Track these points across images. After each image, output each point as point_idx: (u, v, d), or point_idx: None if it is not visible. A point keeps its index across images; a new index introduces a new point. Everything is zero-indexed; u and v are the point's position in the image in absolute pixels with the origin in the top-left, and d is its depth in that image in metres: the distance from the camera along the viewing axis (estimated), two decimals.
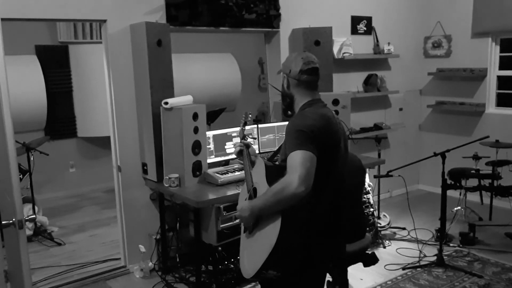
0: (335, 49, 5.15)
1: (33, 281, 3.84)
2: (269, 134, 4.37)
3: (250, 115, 2.64)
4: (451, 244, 4.54)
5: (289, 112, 2.27)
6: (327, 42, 4.78)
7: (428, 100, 6.22)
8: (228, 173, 3.83)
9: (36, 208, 5.00)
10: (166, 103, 3.71)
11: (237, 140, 4.02)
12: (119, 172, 4.05)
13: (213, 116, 4.75)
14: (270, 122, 4.53)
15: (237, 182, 3.76)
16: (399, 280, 3.87)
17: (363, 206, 4.48)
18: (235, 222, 3.66)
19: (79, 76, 6.44)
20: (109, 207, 5.80)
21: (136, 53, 3.90)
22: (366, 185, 4.53)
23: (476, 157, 4.79)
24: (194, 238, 3.74)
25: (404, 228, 4.97)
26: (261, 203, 2.02)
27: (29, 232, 4.87)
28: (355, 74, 5.52)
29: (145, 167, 4.05)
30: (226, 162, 4.12)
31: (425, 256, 4.32)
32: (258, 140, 4.30)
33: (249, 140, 2.50)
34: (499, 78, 5.65)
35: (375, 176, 4.84)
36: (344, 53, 5.19)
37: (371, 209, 4.55)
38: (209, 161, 3.94)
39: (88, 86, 6.41)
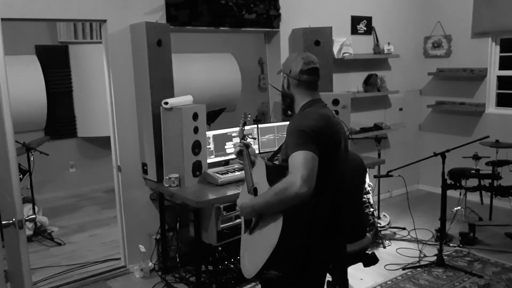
0: (335, 49, 5.15)
1: (33, 281, 3.84)
2: (269, 134, 4.37)
3: (250, 115, 2.64)
4: (451, 244, 4.54)
5: (289, 112, 2.27)
6: (327, 42, 4.78)
7: (428, 100, 6.22)
8: (228, 173, 3.83)
9: (36, 208, 5.00)
10: (166, 103, 3.71)
11: (237, 140, 4.02)
12: (119, 172, 4.05)
13: (213, 116, 4.75)
14: (270, 122, 4.53)
15: (237, 182, 3.76)
16: (399, 280, 3.87)
17: (363, 206, 4.48)
18: (235, 222, 3.66)
19: (79, 76, 6.45)
20: (109, 207, 5.80)
21: (136, 53, 3.90)
22: (366, 185, 4.53)
23: (476, 157, 4.79)
24: (194, 238, 3.74)
25: (404, 228, 4.98)
26: (262, 202, 2.02)
27: (29, 232, 4.87)
28: (355, 74, 5.52)
29: (145, 167, 4.05)
30: (226, 162, 4.12)
31: (425, 256, 4.32)
32: (258, 140, 4.30)
33: (249, 140, 2.50)
34: (499, 78, 5.65)
35: (375, 176, 4.84)
36: (344, 53, 5.19)
37: (371, 209, 4.55)
38: (209, 161, 3.94)
39: (88, 86, 6.41)
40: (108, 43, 3.86)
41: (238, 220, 3.66)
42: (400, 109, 6.11)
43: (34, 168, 4.95)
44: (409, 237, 4.77)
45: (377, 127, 5.61)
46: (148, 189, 4.14)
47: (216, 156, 4.03)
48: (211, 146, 3.99)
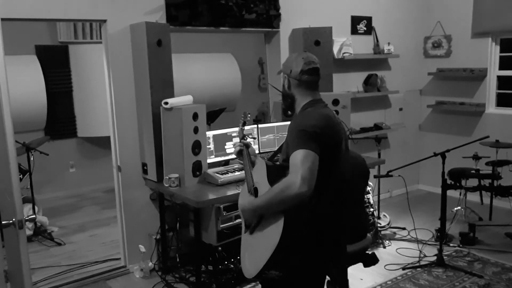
0: (335, 49, 5.15)
1: (33, 281, 3.84)
2: (269, 134, 4.37)
3: (249, 115, 2.64)
4: (451, 244, 4.54)
5: (289, 112, 2.27)
6: (327, 42, 4.78)
7: (428, 100, 6.22)
8: (228, 173, 3.83)
9: (36, 208, 5.00)
10: (166, 103, 3.71)
11: (236, 140, 4.02)
12: (119, 172, 4.05)
13: (213, 116, 4.75)
14: (270, 122, 4.53)
15: (237, 182, 3.76)
16: (399, 280, 3.87)
17: (365, 207, 4.48)
18: (235, 222, 3.66)
19: (79, 76, 6.45)
20: (109, 207, 5.80)
21: (136, 53, 3.90)
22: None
23: (476, 157, 4.78)
24: (194, 238, 3.74)
25: (404, 228, 4.98)
26: (263, 202, 2.02)
27: (29, 232, 4.87)
28: (355, 74, 5.52)
29: (145, 167, 4.05)
30: (226, 162, 4.12)
31: (425, 256, 4.32)
32: (258, 140, 4.30)
33: (249, 140, 2.49)
34: (499, 78, 5.65)
35: (375, 176, 4.84)
36: (344, 53, 5.19)
37: (371, 209, 4.55)
38: (209, 161, 3.94)
39: (88, 86, 6.41)
40: (108, 43, 3.86)
41: (238, 220, 3.66)
42: (400, 109, 6.11)
43: (34, 168, 4.95)
44: (409, 237, 4.77)
45: (377, 127, 5.61)
46: (148, 189, 4.14)
47: (216, 156, 4.03)
48: (211, 146, 3.99)
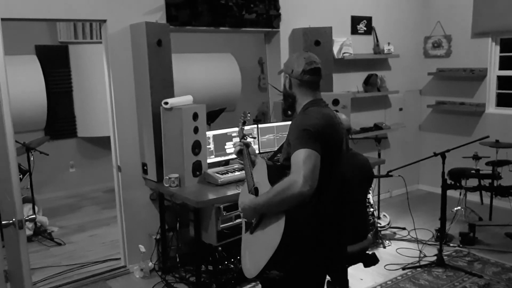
0: (335, 49, 5.15)
1: (33, 281, 3.84)
2: (269, 134, 4.37)
3: (249, 115, 2.64)
4: (451, 244, 4.54)
5: (289, 112, 2.27)
6: (327, 42, 4.78)
7: (428, 100, 6.22)
8: (228, 173, 3.83)
9: (36, 208, 5.00)
10: (166, 103, 3.71)
11: (237, 140, 4.02)
12: (119, 172, 4.05)
13: (213, 116, 4.75)
14: (270, 122, 4.53)
15: (237, 182, 3.76)
16: (399, 280, 3.87)
17: (366, 208, 4.48)
18: (235, 222, 3.66)
19: (79, 76, 6.44)
20: (109, 207, 5.80)
21: (136, 53, 3.90)
22: None
23: (476, 157, 4.79)
24: (194, 238, 3.74)
25: (404, 228, 4.97)
26: (264, 200, 2.02)
27: (29, 232, 4.87)
28: (355, 74, 5.52)
29: (145, 167, 4.05)
30: (226, 162, 4.12)
31: (425, 256, 4.32)
32: (258, 140, 4.30)
33: (249, 139, 2.49)
34: (499, 78, 5.65)
35: (375, 176, 4.84)
36: (344, 53, 5.19)
37: (371, 209, 4.55)
38: (209, 161, 3.94)
39: (88, 86, 6.41)
40: (108, 43, 3.86)
41: (238, 220, 3.66)
42: (400, 109, 6.11)
43: (34, 168, 4.94)
44: (409, 237, 4.77)
45: (377, 127, 5.61)
46: (148, 189, 4.14)
47: (216, 156, 4.03)
48: (211, 146, 3.99)
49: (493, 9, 5.40)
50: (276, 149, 4.14)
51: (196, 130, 3.74)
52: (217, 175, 3.76)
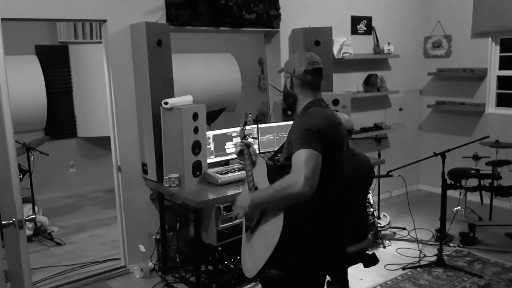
0: (335, 49, 5.15)
1: (33, 281, 3.84)
2: (269, 134, 4.37)
3: (251, 115, 2.64)
4: (451, 244, 4.54)
5: (289, 112, 2.28)
6: (327, 42, 4.78)
7: (428, 100, 6.22)
8: (228, 173, 3.83)
9: (36, 208, 5.00)
10: (166, 103, 3.71)
11: (237, 140, 4.02)
12: (119, 172, 4.05)
13: (213, 116, 4.75)
14: (270, 122, 4.53)
15: (237, 182, 3.76)
16: (399, 280, 3.87)
17: (366, 208, 4.48)
18: (235, 222, 3.66)
19: (79, 76, 6.44)
20: (109, 207, 5.80)
21: (136, 53, 3.90)
22: None
23: (476, 157, 4.79)
24: (194, 238, 3.74)
25: (404, 228, 4.97)
26: (263, 197, 2.02)
27: (29, 232, 4.87)
28: (355, 74, 5.52)
29: (145, 167, 4.05)
30: (226, 162, 4.12)
31: (425, 256, 4.32)
32: (258, 140, 4.30)
33: (250, 140, 2.50)
34: (499, 78, 5.65)
35: (375, 176, 4.85)
36: (344, 53, 5.19)
37: (371, 209, 4.55)
38: (209, 161, 3.94)
39: (88, 86, 6.41)
40: (108, 43, 3.86)
41: (238, 220, 3.66)
42: (400, 109, 6.11)
43: (34, 168, 4.94)
44: (409, 237, 4.77)
45: (377, 127, 5.61)
46: (148, 189, 4.14)
47: (216, 156, 4.03)
48: (211, 146, 3.99)
49: (493, 9, 5.39)
50: (276, 149, 4.14)
51: (196, 130, 3.74)
52: (217, 175, 3.76)
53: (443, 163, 4.07)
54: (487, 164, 4.79)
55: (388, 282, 3.85)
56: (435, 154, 4.13)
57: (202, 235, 3.68)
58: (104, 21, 3.84)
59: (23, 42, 6.02)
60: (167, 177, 3.73)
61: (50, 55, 6.27)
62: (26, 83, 5.86)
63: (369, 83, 5.50)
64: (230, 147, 4.09)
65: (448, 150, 4.07)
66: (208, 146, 3.93)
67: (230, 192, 3.57)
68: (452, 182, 4.81)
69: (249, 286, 3.79)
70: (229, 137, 4.10)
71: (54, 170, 6.45)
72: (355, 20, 5.45)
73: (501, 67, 5.61)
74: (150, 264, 4.10)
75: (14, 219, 2.05)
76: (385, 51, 5.66)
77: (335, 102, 4.35)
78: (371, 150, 5.35)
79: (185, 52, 6.74)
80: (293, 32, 4.87)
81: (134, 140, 4.06)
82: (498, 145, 4.76)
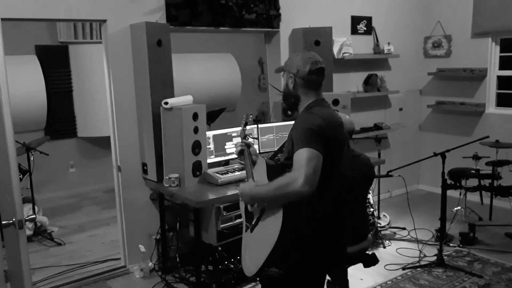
0: (335, 49, 5.15)
1: (33, 281, 3.84)
2: (269, 134, 4.37)
3: (251, 116, 2.65)
4: (451, 244, 4.54)
5: (289, 112, 2.28)
6: (327, 42, 4.78)
7: (428, 100, 6.22)
8: (228, 173, 3.83)
9: (36, 208, 5.00)
10: (166, 103, 3.71)
11: (237, 140, 4.02)
12: (119, 172, 4.05)
13: (213, 116, 4.75)
14: (270, 122, 4.53)
15: (237, 182, 3.75)
16: (399, 280, 3.87)
17: (366, 209, 4.48)
18: (235, 222, 3.66)
19: (79, 76, 6.44)
20: (109, 207, 5.80)
21: (136, 53, 3.90)
22: None
23: (476, 157, 4.79)
24: (194, 238, 3.74)
25: (404, 228, 4.97)
26: (263, 192, 2.03)
27: (29, 232, 4.87)
28: (355, 74, 5.52)
29: (145, 167, 4.05)
30: (226, 162, 4.12)
31: (425, 256, 4.32)
32: (258, 140, 4.30)
33: (250, 140, 2.50)
34: (499, 78, 5.65)
35: (375, 176, 4.85)
36: (344, 53, 5.19)
37: (371, 209, 4.56)
38: (209, 161, 3.94)
39: (88, 86, 6.41)
40: (108, 43, 3.86)
41: (238, 220, 3.66)
42: (400, 109, 6.11)
43: (34, 168, 4.94)
44: (409, 237, 4.77)
45: (377, 127, 5.61)
46: (148, 189, 4.14)
47: (216, 156, 4.03)
48: (211, 146, 3.99)
49: (493, 9, 5.40)
50: (277, 149, 4.14)
51: (196, 130, 3.74)
52: (217, 175, 3.76)
53: (443, 163, 4.07)
54: (487, 164, 4.79)
55: (388, 282, 3.85)
56: (435, 154, 4.13)
57: (202, 235, 3.68)
58: (104, 21, 3.84)
59: (23, 42, 6.02)
60: (167, 177, 3.73)
61: (50, 55, 6.27)
62: (26, 83, 5.86)
63: (369, 83, 5.50)
64: (230, 147, 4.09)
65: (448, 150, 4.07)
66: (208, 146, 3.93)
67: (230, 192, 3.57)
68: (452, 182, 4.81)
69: (249, 286, 3.79)
70: (229, 137, 4.10)
71: (54, 170, 6.45)
72: (355, 20, 5.45)
73: (501, 67, 5.61)
74: (150, 264, 4.10)
75: (14, 219, 2.06)
76: (385, 51, 5.66)
77: (335, 102, 4.35)
78: (371, 150, 5.35)
79: (185, 52, 6.74)
80: (293, 32, 4.87)
81: (134, 140, 4.06)
82: (498, 145, 4.76)
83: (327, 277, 2.83)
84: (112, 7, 3.82)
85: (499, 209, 5.26)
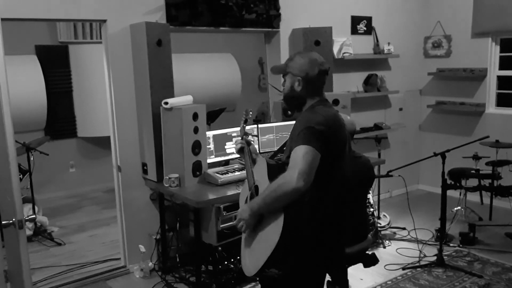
0: (335, 49, 5.15)
1: (33, 281, 3.83)
2: (269, 134, 4.37)
3: (251, 112, 2.63)
4: (451, 244, 4.54)
5: (289, 112, 2.28)
6: (327, 42, 4.78)
7: (428, 100, 6.22)
8: (228, 173, 3.83)
9: (36, 208, 5.00)
10: (166, 103, 3.71)
11: (237, 139, 4.01)
12: (119, 172, 4.05)
13: (213, 116, 4.75)
14: (270, 122, 4.53)
15: (237, 182, 3.76)
16: (399, 280, 3.87)
17: (367, 209, 4.48)
18: (235, 222, 3.65)
19: (79, 76, 6.45)
20: (109, 207, 5.80)
21: (136, 53, 3.90)
22: None
23: (476, 157, 4.79)
24: (194, 238, 3.74)
25: (404, 228, 4.97)
26: (259, 200, 2.02)
27: (29, 232, 4.87)
28: (355, 74, 5.52)
29: (145, 167, 4.05)
30: (226, 162, 4.12)
31: (425, 256, 4.32)
32: (258, 140, 4.30)
33: (250, 137, 2.50)
34: (499, 78, 5.65)
35: (375, 177, 4.84)
36: (344, 53, 5.19)
37: (371, 209, 4.55)
38: (209, 161, 3.94)
39: (88, 86, 6.41)
40: (108, 43, 3.86)
41: (238, 224, 3.65)
42: (400, 109, 6.11)
43: (34, 168, 4.95)
44: (409, 237, 4.77)
45: (377, 127, 5.61)
46: (148, 189, 4.14)
47: (216, 156, 4.03)
48: (211, 146, 3.99)
49: (493, 9, 5.39)
50: (277, 148, 4.14)
51: (196, 130, 3.74)
52: (217, 175, 3.76)
53: (443, 163, 4.07)
54: (487, 164, 4.79)
55: (388, 282, 3.85)
56: (435, 154, 4.13)
57: (202, 235, 3.68)
58: (104, 21, 3.84)
59: (23, 42, 6.02)
60: (167, 177, 3.73)
61: (50, 55, 6.27)
62: (26, 83, 5.86)
63: (369, 83, 5.50)
64: (230, 147, 4.09)
65: (448, 150, 4.07)
66: (208, 146, 3.93)
67: (230, 192, 3.57)
68: (452, 182, 4.81)
69: (249, 286, 3.79)
70: (229, 137, 4.10)
71: (54, 170, 6.45)
72: (355, 20, 5.45)
73: (501, 67, 5.61)
74: (150, 264, 4.10)
75: (14, 219, 2.05)
76: (385, 51, 5.66)
77: (335, 102, 4.35)
78: (371, 150, 5.35)
79: (185, 52, 6.74)
80: (293, 32, 4.87)
81: (134, 140, 4.06)
82: (498, 145, 4.76)
83: (327, 277, 2.83)
84: (112, 7, 3.82)
85: (499, 209, 5.27)
